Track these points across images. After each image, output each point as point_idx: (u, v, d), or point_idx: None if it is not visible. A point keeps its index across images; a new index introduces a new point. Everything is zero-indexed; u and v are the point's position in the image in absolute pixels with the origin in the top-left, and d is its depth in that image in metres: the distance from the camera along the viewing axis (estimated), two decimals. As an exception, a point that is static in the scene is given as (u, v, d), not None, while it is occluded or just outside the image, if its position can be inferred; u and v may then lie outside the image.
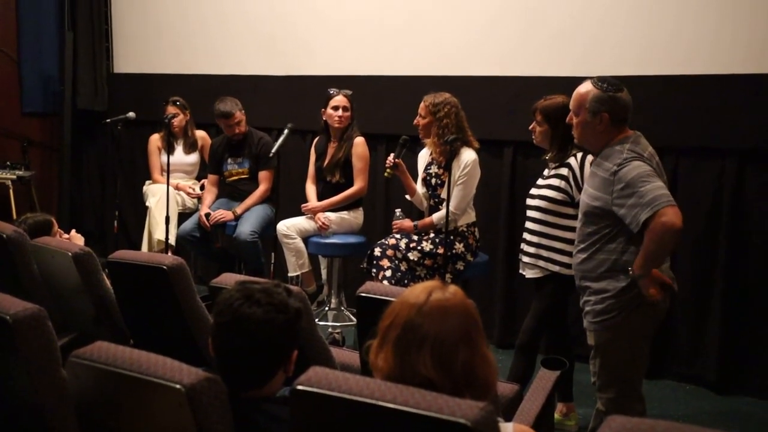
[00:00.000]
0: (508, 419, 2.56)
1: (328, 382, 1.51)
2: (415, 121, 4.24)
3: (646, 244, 2.73)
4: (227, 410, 1.64)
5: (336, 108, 4.75)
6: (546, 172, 3.63)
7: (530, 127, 3.63)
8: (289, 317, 1.80)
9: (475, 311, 1.66)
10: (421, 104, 4.22)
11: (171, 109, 5.48)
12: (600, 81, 2.89)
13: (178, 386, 1.58)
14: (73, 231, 3.92)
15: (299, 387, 1.53)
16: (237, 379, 1.78)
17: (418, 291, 1.63)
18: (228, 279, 2.70)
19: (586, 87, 2.92)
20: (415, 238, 4.19)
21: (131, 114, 5.55)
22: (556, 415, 3.72)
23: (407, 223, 4.29)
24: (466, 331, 1.59)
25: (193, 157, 5.69)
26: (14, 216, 5.94)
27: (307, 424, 1.56)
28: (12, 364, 1.88)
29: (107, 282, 3.21)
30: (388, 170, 4.25)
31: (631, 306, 2.83)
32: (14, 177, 6.37)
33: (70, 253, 3.09)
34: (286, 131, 4.74)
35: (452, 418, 1.38)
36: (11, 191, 6.34)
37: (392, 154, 4.27)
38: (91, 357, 1.72)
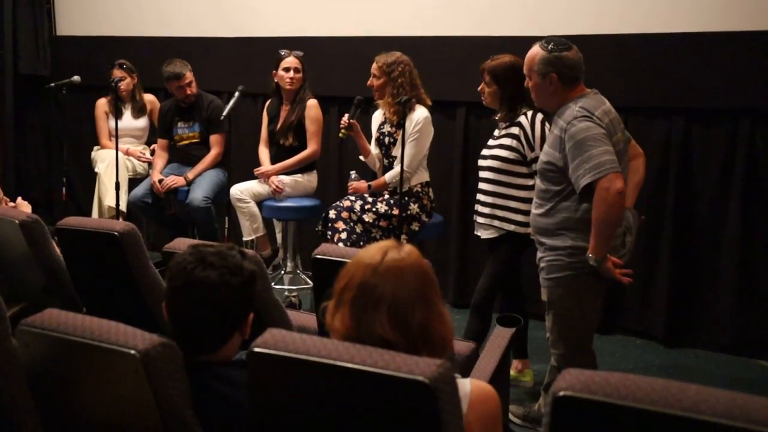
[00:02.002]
0: (465, 376, 2.60)
1: (285, 344, 1.51)
2: (369, 82, 4.20)
3: (594, 217, 2.77)
4: (183, 375, 1.63)
5: (287, 69, 4.68)
6: (496, 132, 3.64)
7: (479, 89, 3.63)
8: (243, 279, 1.78)
9: (431, 270, 1.66)
10: (374, 65, 4.18)
11: (117, 73, 5.35)
12: (546, 42, 2.91)
13: (132, 352, 1.56)
14: (19, 199, 3.81)
15: (256, 349, 1.52)
16: (192, 343, 1.76)
17: (373, 251, 1.62)
18: (181, 244, 2.66)
19: (534, 50, 2.93)
20: (370, 199, 4.19)
21: (76, 78, 5.40)
22: (512, 372, 3.77)
23: (362, 184, 4.27)
24: (421, 290, 1.60)
25: (142, 122, 5.57)
26: (-43, 185, 5.76)
27: (264, 387, 1.56)
28: (-41, 335, 1.84)
29: (57, 250, 3.14)
30: (342, 131, 4.22)
31: (583, 266, 2.86)
32: (-45, 145, 6.18)
33: (17, 221, 3.01)
34: (236, 94, 4.66)
35: (410, 375, 1.39)
36: (-47, 159, 6.16)
37: (346, 115, 4.23)
38: (42, 325, 1.69)
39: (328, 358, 1.44)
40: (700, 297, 4.31)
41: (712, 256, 4.26)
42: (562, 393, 1.29)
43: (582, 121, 2.78)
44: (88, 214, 5.51)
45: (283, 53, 4.72)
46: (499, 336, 2.76)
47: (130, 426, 1.66)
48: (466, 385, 1.63)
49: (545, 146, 3.00)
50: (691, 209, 4.28)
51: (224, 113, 4.58)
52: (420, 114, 4.10)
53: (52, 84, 5.51)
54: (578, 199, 2.84)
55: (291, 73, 4.67)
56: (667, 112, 4.29)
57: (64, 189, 5.58)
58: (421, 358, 1.42)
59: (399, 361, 1.41)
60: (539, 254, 3.02)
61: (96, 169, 5.42)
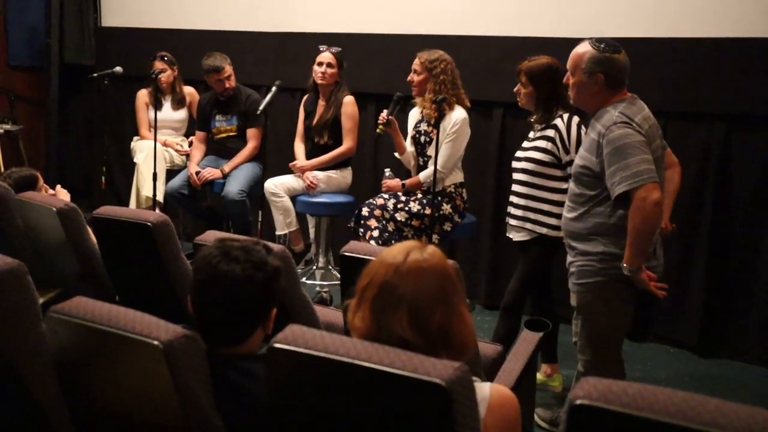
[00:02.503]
0: (491, 379, 2.58)
1: (304, 341, 1.51)
2: (409, 78, 4.19)
3: (630, 227, 2.73)
4: (205, 367, 1.64)
5: (320, 64, 4.70)
6: (532, 134, 3.61)
7: (515, 89, 3.61)
8: (267, 275, 1.80)
9: (453, 272, 1.65)
10: (416, 61, 4.17)
11: (158, 65, 5.42)
12: (598, 41, 2.85)
13: (155, 342, 1.58)
14: (59, 186, 3.89)
15: (276, 345, 1.53)
16: (215, 336, 1.78)
17: (396, 251, 1.62)
18: (212, 236, 2.69)
19: (583, 47, 2.87)
20: (403, 198, 4.19)
21: (118, 69, 5.48)
22: (541, 376, 3.75)
23: (396, 182, 4.28)
24: (442, 292, 1.59)
25: (181, 114, 5.64)
26: (2, 170, 5.89)
27: (282, 382, 1.57)
28: (-9, 319, 1.88)
29: (92, 238, 3.20)
30: (380, 127, 4.22)
31: (614, 273, 2.82)
32: (1, 131, 6.32)
33: (54, 209, 3.07)
34: (273, 89, 4.69)
35: (427, 377, 1.38)
36: (-2, 145, 6.30)
37: (385, 110, 4.23)
38: (69, 312, 1.72)
39: (346, 357, 1.45)
40: (736, 307, 4.24)
41: (749, 266, 4.18)
42: (578, 401, 1.28)
43: (621, 127, 2.73)
44: (127, 203, 5.59)
45: (321, 48, 4.74)
46: (526, 340, 2.74)
47: (151, 415, 1.68)
48: (484, 389, 1.62)
49: (581, 150, 2.96)
50: (728, 217, 4.20)
51: (261, 107, 4.62)
52: (458, 114, 4.09)
53: (95, 74, 5.59)
54: (613, 205, 2.79)
55: (323, 68, 4.68)
56: (708, 118, 4.21)
57: (103, 178, 5.67)
58: (438, 360, 1.41)
59: (416, 362, 1.41)
60: (570, 258, 2.99)
61: (135, 159, 5.50)
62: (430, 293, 1.58)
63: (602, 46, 2.83)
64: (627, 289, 2.86)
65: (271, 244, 2.38)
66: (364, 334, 1.59)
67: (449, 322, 1.59)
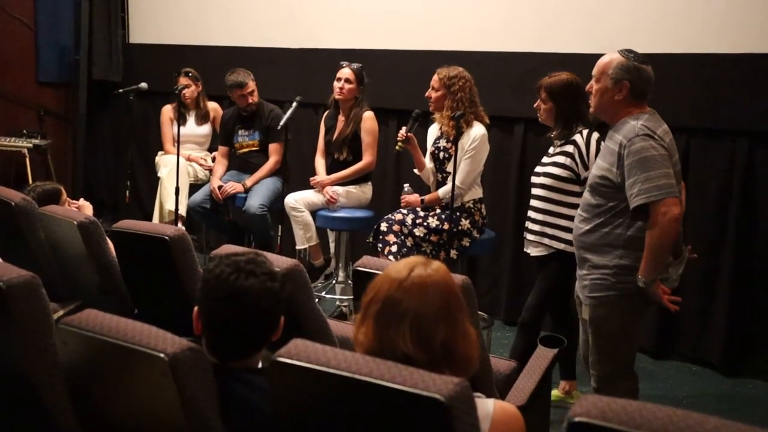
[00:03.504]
0: (503, 395, 2.57)
1: (306, 355, 1.52)
2: (427, 94, 4.21)
3: (648, 240, 2.73)
4: (210, 380, 1.66)
5: (339, 80, 4.73)
6: (551, 150, 3.61)
7: (535, 105, 3.61)
8: (280, 284, 1.83)
9: (458, 288, 1.65)
10: (434, 77, 4.18)
11: (183, 81, 5.49)
12: (627, 51, 2.87)
13: (161, 355, 1.60)
14: (82, 200, 3.95)
15: (278, 359, 1.54)
16: (230, 349, 1.80)
17: (401, 266, 1.63)
18: (227, 250, 2.71)
19: (611, 55, 2.89)
20: (422, 213, 4.19)
21: (143, 84, 5.56)
22: (559, 393, 3.73)
23: (414, 197, 4.28)
24: (446, 307, 1.59)
25: (205, 129, 5.70)
26: (30, 184, 5.99)
27: (285, 396, 1.58)
28: (4, 331, 1.91)
29: (112, 251, 3.24)
30: (399, 144, 4.24)
31: (629, 287, 2.81)
32: (30, 146, 6.43)
33: (75, 222, 3.11)
34: (294, 104, 4.73)
35: (427, 393, 1.38)
36: (27, 159, 6.41)
37: (404, 128, 4.25)
38: (79, 324, 1.74)
39: (347, 371, 1.45)
40: (760, 324, 4.17)
41: (774, 283, 4.12)
42: (577, 419, 1.27)
43: (644, 140, 2.73)
44: (151, 216, 5.66)
45: (343, 64, 4.78)
46: (541, 356, 2.72)
47: (158, 427, 1.70)
48: (488, 405, 1.62)
49: (599, 161, 2.95)
50: (752, 234, 4.15)
51: (281, 123, 4.66)
52: (477, 131, 4.09)
53: (121, 90, 5.68)
54: (631, 216, 2.79)
55: (341, 83, 4.71)
56: (731, 135, 4.17)
57: (127, 192, 5.75)
58: (439, 376, 1.41)
59: (417, 378, 1.41)
60: (582, 271, 2.97)
61: (159, 174, 5.57)
62: (434, 309, 1.58)
63: (631, 55, 2.85)
64: (641, 303, 2.86)
65: (283, 258, 2.41)
66: (368, 349, 1.59)
67: (453, 339, 1.59)
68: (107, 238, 3.22)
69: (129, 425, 1.75)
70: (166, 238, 2.79)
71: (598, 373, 2.95)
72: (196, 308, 1.84)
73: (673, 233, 2.74)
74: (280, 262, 2.35)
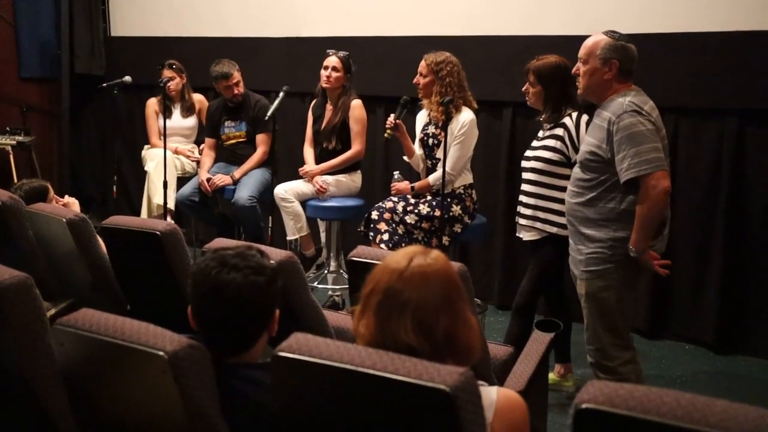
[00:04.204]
0: (501, 381, 2.57)
1: (308, 349, 1.51)
2: (415, 80, 4.18)
3: (639, 212, 2.83)
4: (210, 376, 1.64)
5: (326, 68, 4.70)
6: (541, 134, 3.60)
7: (523, 89, 3.60)
8: (267, 278, 1.80)
9: (458, 276, 1.64)
10: (422, 63, 4.16)
11: (167, 73, 5.44)
12: (612, 32, 2.97)
13: (160, 353, 1.58)
14: (67, 196, 3.91)
15: (280, 353, 1.53)
16: (222, 345, 1.78)
17: (399, 257, 1.61)
18: (220, 244, 2.69)
19: (597, 37, 2.98)
20: (413, 201, 4.17)
21: (127, 78, 5.51)
22: (555, 376, 3.73)
23: (405, 185, 4.26)
24: (447, 297, 1.58)
25: (191, 121, 5.66)
26: (16, 182, 5.94)
27: (288, 390, 1.56)
28: (-1, 332, 1.89)
29: (103, 248, 3.21)
30: (388, 131, 4.21)
31: (622, 258, 2.91)
32: (14, 143, 6.37)
33: (64, 220, 3.08)
34: (281, 95, 4.70)
35: (431, 383, 1.37)
36: (11, 157, 6.35)
37: (392, 115, 4.22)
38: (75, 324, 1.72)
39: (350, 364, 1.44)
40: (752, 303, 4.20)
41: (765, 261, 4.14)
42: (584, 405, 1.27)
43: (632, 116, 2.83)
44: (140, 211, 5.62)
45: (330, 53, 4.74)
46: (537, 341, 2.72)
47: (158, 425, 1.68)
48: (491, 393, 1.61)
49: (587, 137, 3.03)
50: (743, 212, 4.17)
51: (269, 113, 4.62)
52: (466, 116, 4.08)
53: (105, 84, 5.62)
54: (623, 190, 2.88)
55: (328, 72, 4.68)
56: (720, 114, 4.18)
57: (114, 187, 5.70)
58: (443, 366, 1.40)
59: (421, 369, 1.40)
60: (577, 246, 3.02)
61: (146, 168, 5.53)
62: (435, 299, 1.57)
63: (617, 35, 2.96)
64: (634, 274, 2.97)
65: (276, 250, 2.39)
66: (369, 341, 1.58)
67: (454, 328, 1.58)
68: (97, 235, 3.20)
69: (129, 425, 1.73)
70: (158, 233, 2.77)
71: (596, 346, 3.01)
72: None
73: (663, 205, 2.86)
74: (274, 254, 2.33)
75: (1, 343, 1.89)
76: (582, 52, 3.00)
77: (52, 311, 2.92)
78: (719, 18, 4.11)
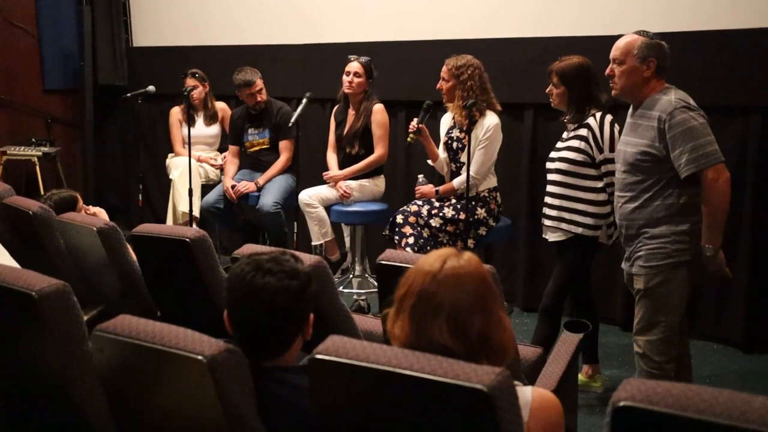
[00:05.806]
0: (531, 382, 2.57)
1: (346, 351, 1.52)
2: (438, 85, 4.20)
3: (707, 209, 2.86)
4: (248, 380, 1.66)
5: (348, 74, 4.72)
6: (565, 135, 3.60)
7: (547, 90, 3.60)
8: (301, 282, 1.82)
9: (491, 277, 1.66)
10: (444, 68, 4.17)
11: (190, 82, 5.49)
12: (644, 31, 2.99)
13: (199, 357, 1.60)
14: (93, 207, 3.96)
15: (318, 356, 1.54)
16: (258, 349, 1.80)
17: (433, 259, 1.63)
18: (249, 250, 2.71)
19: (630, 36, 3.00)
20: (437, 204, 4.19)
21: (151, 88, 5.56)
22: (582, 377, 3.72)
23: (429, 188, 4.28)
24: (481, 297, 1.60)
25: (214, 129, 5.70)
26: (42, 192, 6.02)
27: (326, 392, 1.58)
28: (38, 340, 1.92)
29: (132, 256, 3.25)
30: (411, 135, 4.23)
31: (683, 253, 2.94)
32: (40, 154, 6.46)
33: (94, 228, 3.12)
34: (304, 101, 4.74)
35: (469, 383, 1.39)
36: (38, 168, 6.44)
37: (415, 119, 4.24)
38: (114, 330, 1.75)
39: (388, 366, 1.45)
40: (781, 301, 4.17)
41: (793, 259, 4.11)
42: (622, 403, 1.27)
43: (684, 112, 2.86)
44: (164, 219, 5.67)
45: (351, 58, 4.77)
46: (566, 342, 2.72)
47: (196, 430, 1.70)
48: (527, 393, 1.62)
49: (634, 139, 3.02)
50: (768, 210, 4.14)
51: (292, 120, 4.66)
52: (490, 120, 4.08)
53: (128, 94, 5.68)
54: (679, 185, 2.90)
55: (350, 77, 4.70)
56: (744, 111, 4.15)
57: (140, 195, 5.76)
58: (479, 366, 1.41)
59: (457, 369, 1.41)
60: (634, 245, 3.04)
61: (170, 176, 5.57)
62: (469, 300, 1.58)
63: (651, 34, 2.97)
64: (690, 270, 2.99)
65: (306, 255, 2.41)
66: (404, 343, 1.59)
67: (488, 328, 1.59)
68: (127, 243, 3.24)
69: (168, 429, 1.76)
70: (187, 240, 2.80)
71: (648, 338, 3.03)
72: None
73: (728, 195, 2.88)
74: (304, 259, 2.35)
75: (40, 350, 1.93)
76: (615, 53, 3.01)
77: (84, 318, 2.96)
78: (740, 14, 4.08)
